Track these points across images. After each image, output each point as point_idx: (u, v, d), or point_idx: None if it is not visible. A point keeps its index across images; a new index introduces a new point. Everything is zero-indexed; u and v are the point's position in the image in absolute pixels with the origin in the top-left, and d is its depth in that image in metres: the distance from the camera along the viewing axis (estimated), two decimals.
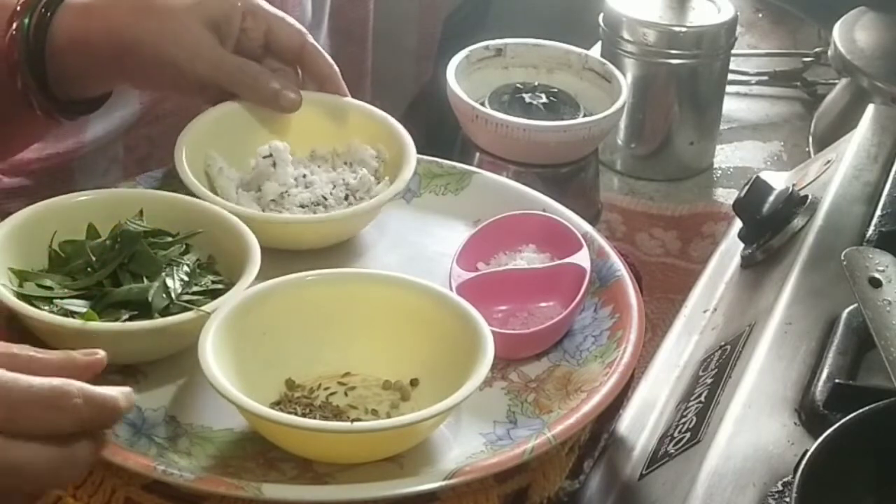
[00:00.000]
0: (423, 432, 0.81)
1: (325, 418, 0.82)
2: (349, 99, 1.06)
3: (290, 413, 0.81)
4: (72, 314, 0.85)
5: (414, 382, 0.85)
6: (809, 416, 0.78)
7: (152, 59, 0.98)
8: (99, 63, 1.00)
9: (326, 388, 0.85)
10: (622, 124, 1.35)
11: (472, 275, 0.94)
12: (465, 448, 0.82)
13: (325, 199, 0.99)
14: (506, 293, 0.93)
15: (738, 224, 1.07)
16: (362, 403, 0.84)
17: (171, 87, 1.04)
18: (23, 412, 0.67)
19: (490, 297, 0.91)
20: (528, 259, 0.96)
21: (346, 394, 0.85)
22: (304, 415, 0.81)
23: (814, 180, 1.08)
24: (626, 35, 1.32)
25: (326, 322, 0.87)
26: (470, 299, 0.87)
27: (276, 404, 0.83)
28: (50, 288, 0.87)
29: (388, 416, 0.83)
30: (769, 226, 1.02)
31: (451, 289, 0.91)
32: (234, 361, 0.82)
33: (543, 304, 0.94)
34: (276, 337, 0.85)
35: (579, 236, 0.96)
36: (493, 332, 0.84)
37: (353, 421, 0.82)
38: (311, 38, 1.03)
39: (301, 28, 1.03)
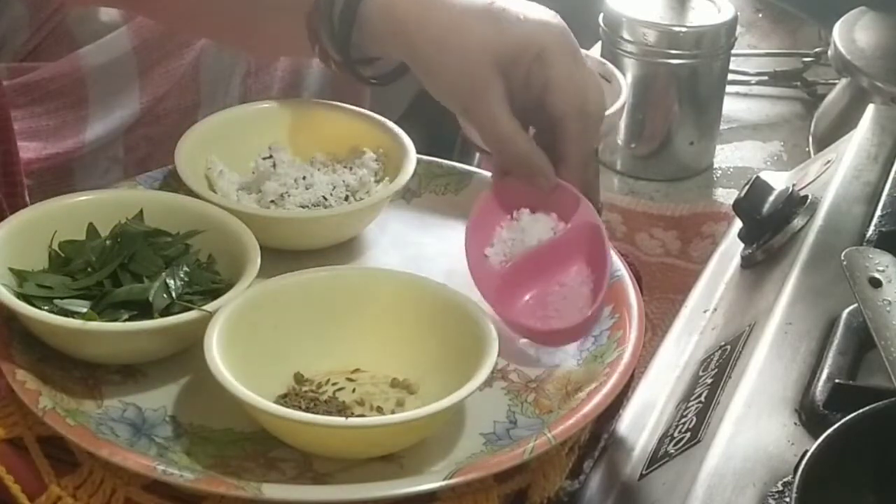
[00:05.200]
0: (420, 431, 0.81)
1: (329, 413, 0.82)
2: (348, 105, 1.07)
3: (294, 406, 0.81)
4: (72, 314, 0.85)
5: (421, 380, 0.85)
6: (809, 416, 0.78)
7: (432, 86, 0.93)
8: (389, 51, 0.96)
9: (334, 384, 0.85)
10: (622, 124, 1.35)
11: (495, 272, 0.92)
12: (465, 448, 0.82)
13: (326, 199, 0.99)
14: (531, 277, 0.92)
15: (738, 224, 1.07)
16: (368, 400, 0.84)
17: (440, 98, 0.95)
18: None
19: (517, 287, 0.91)
20: (527, 225, 0.94)
21: (353, 390, 0.85)
22: (307, 409, 0.81)
23: (814, 180, 1.08)
24: (626, 35, 1.32)
25: (337, 318, 0.87)
26: (500, 297, 0.89)
27: (283, 397, 0.83)
28: (50, 288, 0.87)
29: (392, 413, 0.83)
30: (769, 226, 1.02)
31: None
32: (242, 354, 0.82)
33: (572, 270, 0.92)
34: (287, 331, 0.86)
35: (573, 191, 0.93)
36: (533, 331, 0.88)
37: (356, 417, 0.82)
38: (586, 110, 0.91)
39: (582, 96, 0.91)
